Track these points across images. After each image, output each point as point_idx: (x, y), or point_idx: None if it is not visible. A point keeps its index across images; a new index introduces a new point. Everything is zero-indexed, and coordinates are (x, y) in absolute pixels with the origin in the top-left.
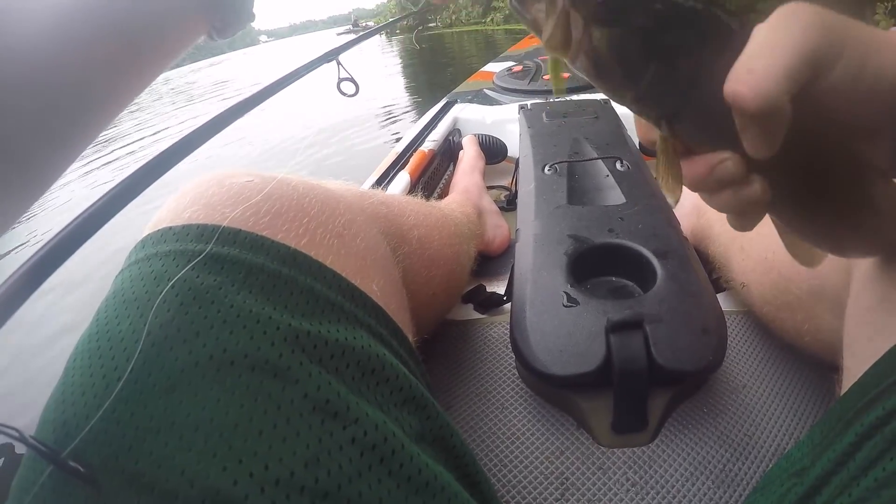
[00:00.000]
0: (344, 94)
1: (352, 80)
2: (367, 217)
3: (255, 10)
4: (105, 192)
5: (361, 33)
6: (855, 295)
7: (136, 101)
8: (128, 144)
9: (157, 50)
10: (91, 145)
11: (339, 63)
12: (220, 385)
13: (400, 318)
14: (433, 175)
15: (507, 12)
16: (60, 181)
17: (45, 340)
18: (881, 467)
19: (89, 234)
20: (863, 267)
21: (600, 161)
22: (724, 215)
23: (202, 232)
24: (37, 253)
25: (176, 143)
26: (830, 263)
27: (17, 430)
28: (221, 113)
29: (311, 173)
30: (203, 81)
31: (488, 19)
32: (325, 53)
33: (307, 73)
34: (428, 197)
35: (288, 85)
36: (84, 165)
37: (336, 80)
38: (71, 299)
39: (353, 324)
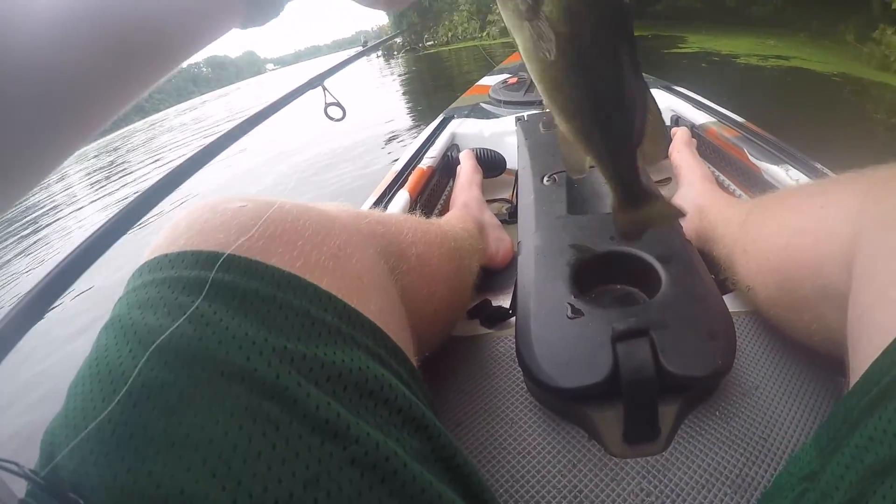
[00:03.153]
0: (331, 118)
1: (338, 104)
2: (364, 237)
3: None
4: (102, 223)
5: (346, 58)
6: (855, 293)
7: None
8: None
9: (186, 38)
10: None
11: (324, 88)
12: (218, 407)
13: (400, 337)
14: (433, 192)
15: (502, 25)
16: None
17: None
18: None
19: (91, 261)
20: (861, 264)
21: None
22: (726, 217)
23: (197, 258)
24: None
25: (164, 176)
26: (834, 262)
27: (16, 465)
28: (213, 141)
29: (310, 198)
30: (218, 115)
31: (484, 34)
32: (311, 79)
33: (293, 100)
34: (429, 214)
35: (274, 113)
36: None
37: (322, 106)
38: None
39: (351, 345)
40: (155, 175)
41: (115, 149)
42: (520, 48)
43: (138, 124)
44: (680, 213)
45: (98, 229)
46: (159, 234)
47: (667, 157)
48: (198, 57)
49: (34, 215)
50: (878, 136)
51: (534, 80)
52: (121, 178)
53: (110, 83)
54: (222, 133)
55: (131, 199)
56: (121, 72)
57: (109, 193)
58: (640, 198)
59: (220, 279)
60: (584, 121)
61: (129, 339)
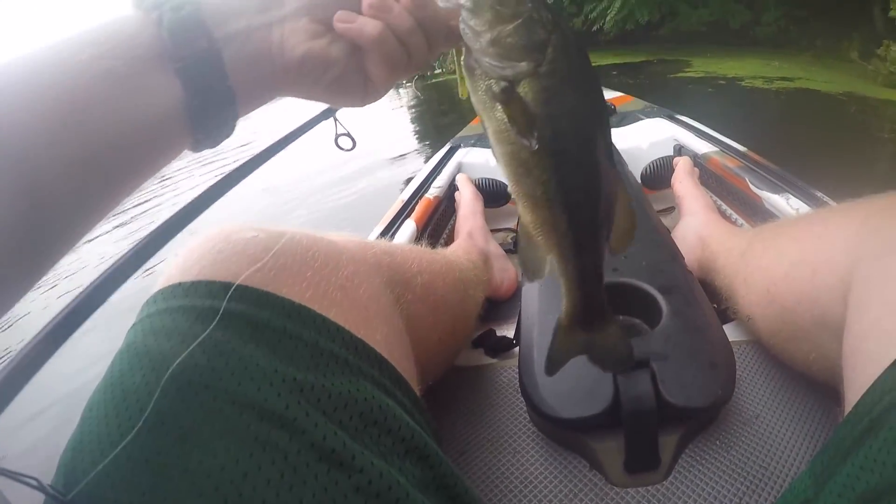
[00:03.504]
0: (341, 148)
1: (348, 135)
2: (371, 267)
3: (237, 123)
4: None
5: None
6: (849, 323)
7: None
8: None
9: (136, 166)
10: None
11: (335, 119)
12: (230, 435)
13: (403, 367)
14: (439, 221)
15: None
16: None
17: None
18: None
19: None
20: (856, 294)
21: None
22: (727, 247)
23: (210, 288)
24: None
25: (183, 207)
26: (831, 293)
27: (36, 480)
28: (226, 175)
29: (319, 224)
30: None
31: None
32: (324, 111)
33: (306, 131)
34: (435, 242)
35: (289, 144)
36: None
37: (333, 136)
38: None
39: (357, 375)
40: (168, 205)
41: None
42: (488, 131)
43: None
44: (628, 360)
45: (108, 268)
46: (172, 262)
47: (669, 187)
48: None
49: None
50: (885, 156)
51: (501, 165)
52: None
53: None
54: (236, 166)
55: (144, 237)
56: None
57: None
58: (595, 316)
59: (233, 309)
60: (552, 209)
61: (143, 366)
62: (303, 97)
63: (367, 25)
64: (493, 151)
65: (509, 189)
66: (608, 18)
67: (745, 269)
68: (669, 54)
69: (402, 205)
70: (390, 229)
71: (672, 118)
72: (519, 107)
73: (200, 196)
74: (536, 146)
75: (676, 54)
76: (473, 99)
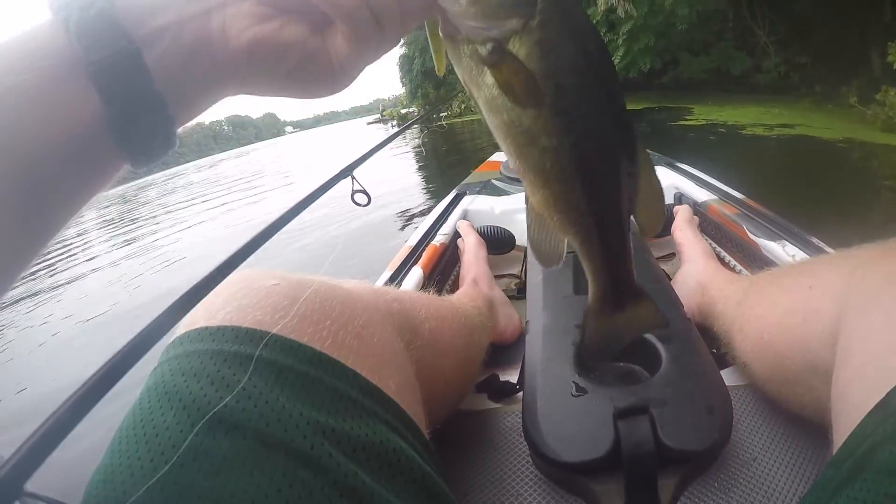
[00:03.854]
0: (358, 204)
1: (364, 191)
2: (383, 315)
3: (176, 135)
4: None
5: (372, 147)
6: (837, 370)
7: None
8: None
9: (63, 190)
10: None
11: (353, 178)
12: (260, 471)
13: (414, 411)
14: (445, 267)
15: None
16: None
17: None
18: None
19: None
20: (843, 342)
21: None
22: (725, 294)
23: (236, 334)
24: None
25: (205, 276)
26: (820, 340)
27: None
28: (248, 242)
29: (333, 272)
30: (233, 175)
31: None
32: (342, 170)
33: (326, 191)
34: (441, 288)
35: (310, 204)
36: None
37: (350, 192)
38: None
39: (373, 419)
40: (165, 229)
41: (127, 200)
42: (480, 103)
43: (157, 176)
44: (664, 323)
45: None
46: (197, 306)
47: (670, 234)
48: (220, 115)
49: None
50: (883, 201)
51: (499, 140)
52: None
53: None
54: (256, 234)
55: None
56: None
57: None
58: (626, 296)
59: (259, 356)
60: (566, 182)
61: (173, 405)
62: (259, 93)
63: None
64: (488, 124)
65: (511, 166)
66: None
67: (742, 317)
68: (671, 101)
69: (409, 251)
70: (398, 276)
71: (672, 166)
72: (513, 67)
73: (231, 257)
74: (539, 109)
75: (678, 101)
76: (458, 69)
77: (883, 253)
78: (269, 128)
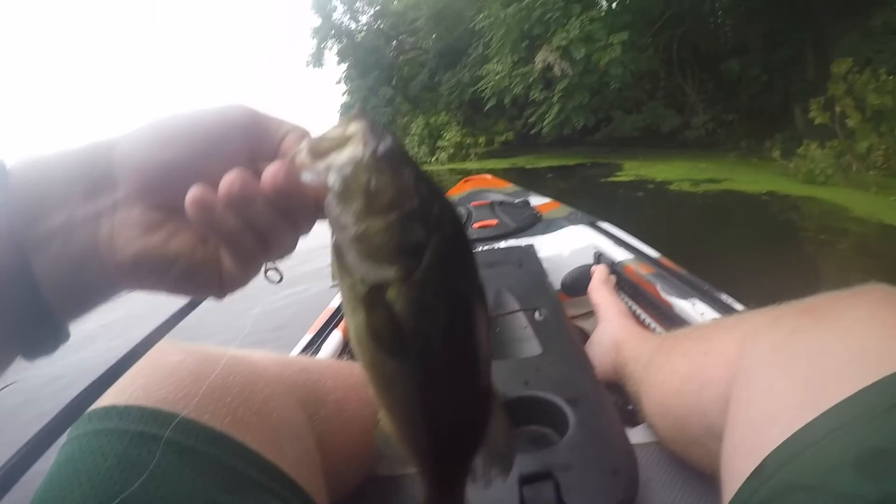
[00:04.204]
0: (271, 281)
1: (276, 269)
2: (286, 387)
3: (67, 332)
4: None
5: None
6: (725, 437)
7: None
8: None
9: None
10: None
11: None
12: None
13: (312, 484)
14: None
15: (451, 151)
16: None
17: None
18: None
19: None
20: (731, 410)
21: (521, 313)
22: (636, 355)
23: (142, 414)
24: None
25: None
26: (715, 406)
27: None
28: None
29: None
30: None
31: (434, 159)
32: None
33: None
34: None
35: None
36: None
37: (262, 270)
38: None
39: (270, 497)
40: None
41: None
42: (350, 329)
43: None
44: None
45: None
46: None
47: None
48: None
49: None
50: (805, 251)
51: (363, 369)
52: None
53: None
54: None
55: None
56: None
57: None
58: None
59: (163, 435)
60: (415, 428)
61: (82, 484)
62: (150, 292)
63: (225, 221)
64: (353, 352)
65: (367, 394)
66: (546, 122)
67: (647, 380)
68: (603, 157)
69: (330, 314)
70: (317, 340)
71: (593, 225)
72: (385, 316)
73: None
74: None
75: (610, 157)
76: (341, 290)
77: (772, 320)
78: None
